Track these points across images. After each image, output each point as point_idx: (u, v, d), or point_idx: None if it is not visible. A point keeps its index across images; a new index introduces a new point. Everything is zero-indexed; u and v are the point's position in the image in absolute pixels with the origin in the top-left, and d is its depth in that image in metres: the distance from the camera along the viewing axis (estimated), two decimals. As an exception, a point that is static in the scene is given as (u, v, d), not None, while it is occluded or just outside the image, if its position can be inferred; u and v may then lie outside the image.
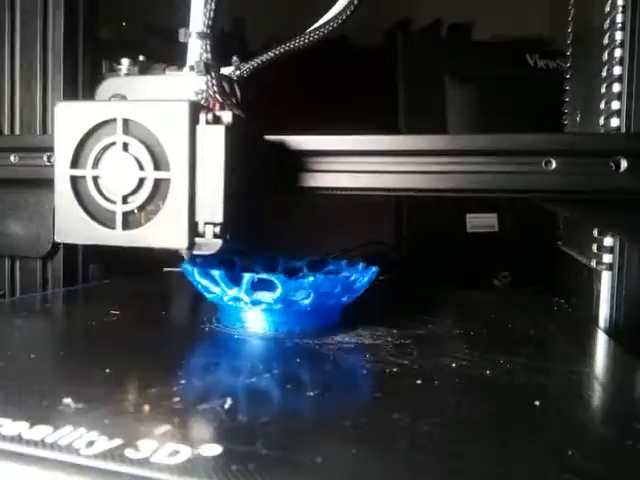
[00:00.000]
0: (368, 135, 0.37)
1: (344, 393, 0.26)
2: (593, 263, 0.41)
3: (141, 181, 0.30)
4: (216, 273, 0.33)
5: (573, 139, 0.36)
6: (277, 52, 0.38)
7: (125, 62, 0.42)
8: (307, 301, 0.34)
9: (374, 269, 0.36)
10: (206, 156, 0.30)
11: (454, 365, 0.28)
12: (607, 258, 0.39)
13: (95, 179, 0.31)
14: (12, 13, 0.49)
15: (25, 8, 0.49)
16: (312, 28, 0.38)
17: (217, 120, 0.30)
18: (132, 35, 0.56)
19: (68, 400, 0.22)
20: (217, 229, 0.30)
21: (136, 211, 0.31)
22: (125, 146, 0.31)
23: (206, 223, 0.30)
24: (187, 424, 0.21)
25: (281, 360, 0.30)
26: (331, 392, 0.25)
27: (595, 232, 0.41)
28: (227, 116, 0.30)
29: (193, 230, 0.30)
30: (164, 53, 0.42)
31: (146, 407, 0.22)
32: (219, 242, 0.30)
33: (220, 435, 0.20)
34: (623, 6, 0.37)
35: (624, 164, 0.34)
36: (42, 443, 0.18)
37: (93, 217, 0.31)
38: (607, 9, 0.39)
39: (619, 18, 0.38)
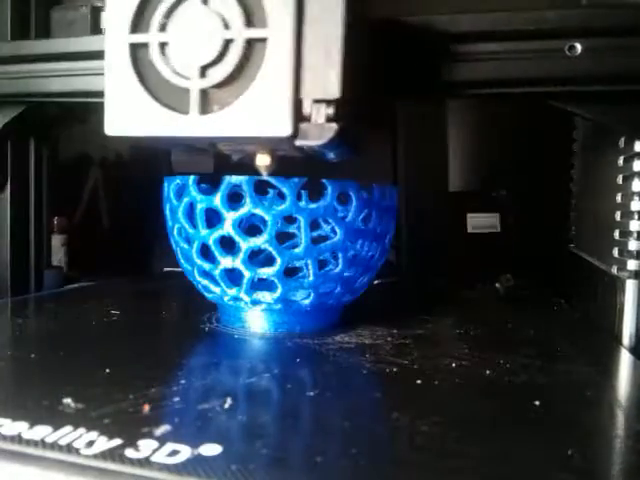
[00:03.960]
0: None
1: (344, 393, 0.26)
2: (614, 270, 0.36)
3: (226, 44, 0.22)
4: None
5: (602, 13, 0.28)
6: None
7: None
8: (307, 301, 0.34)
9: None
10: (318, 8, 0.22)
11: (454, 365, 0.28)
12: (632, 264, 0.34)
13: (163, 46, 0.23)
14: None
15: None
16: None
17: None
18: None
19: (68, 400, 0.22)
20: (331, 109, 0.22)
21: (219, 88, 0.23)
22: None
23: (315, 101, 0.22)
24: (187, 424, 0.21)
25: (281, 360, 0.30)
26: (331, 392, 0.25)
27: (616, 234, 0.36)
28: None
29: (298, 111, 0.22)
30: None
31: (146, 407, 0.22)
32: (333, 127, 0.22)
33: (220, 435, 0.20)
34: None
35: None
36: (42, 443, 0.18)
37: (159, 100, 0.23)
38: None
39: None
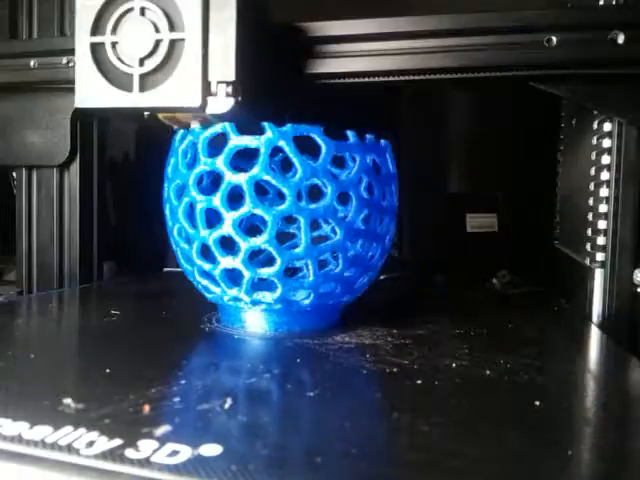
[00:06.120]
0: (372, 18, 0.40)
1: (344, 393, 0.26)
2: (587, 261, 0.42)
3: (157, 43, 0.33)
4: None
5: (573, 13, 0.38)
6: None
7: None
8: (307, 301, 0.34)
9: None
10: (219, 17, 0.33)
11: (454, 365, 0.28)
12: (600, 256, 0.41)
13: (114, 44, 0.34)
14: None
15: None
16: None
17: None
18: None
19: (68, 400, 0.22)
20: (229, 88, 0.33)
21: (152, 74, 0.33)
22: (142, 11, 0.33)
23: (219, 82, 0.33)
24: (187, 424, 0.21)
25: (281, 360, 0.30)
26: (331, 392, 0.25)
27: (589, 232, 0.42)
28: None
29: (206, 89, 0.33)
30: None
31: (146, 407, 0.22)
32: (231, 101, 0.33)
33: (220, 435, 0.20)
34: None
35: (621, 38, 0.36)
36: (42, 443, 0.18)
37: (111, 82, 0.34)
38: None
39: None
